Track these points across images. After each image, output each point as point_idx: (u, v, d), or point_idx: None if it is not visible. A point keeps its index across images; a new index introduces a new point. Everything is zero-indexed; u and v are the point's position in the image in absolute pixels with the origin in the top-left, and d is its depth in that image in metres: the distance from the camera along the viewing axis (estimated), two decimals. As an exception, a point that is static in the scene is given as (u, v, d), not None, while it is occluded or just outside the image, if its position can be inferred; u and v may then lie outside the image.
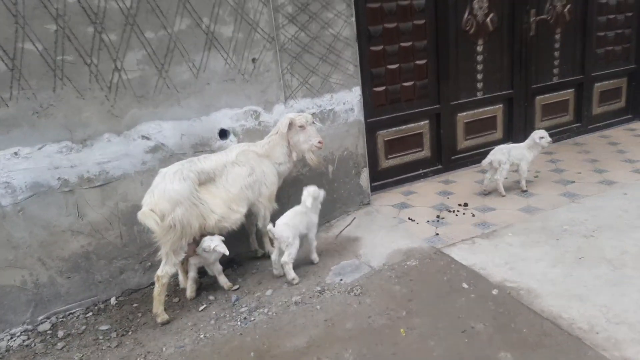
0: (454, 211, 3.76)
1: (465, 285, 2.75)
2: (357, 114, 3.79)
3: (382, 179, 4.33)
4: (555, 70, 5.08)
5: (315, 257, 3.18)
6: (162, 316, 2.75)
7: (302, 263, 3.20)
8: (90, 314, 2.96)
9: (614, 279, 2.66)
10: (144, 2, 2.87)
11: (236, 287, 3.02)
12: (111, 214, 3.00)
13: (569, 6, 4.91)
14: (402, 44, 4.18)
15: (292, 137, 3.14)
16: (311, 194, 3.03)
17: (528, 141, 3.95)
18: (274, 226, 2.93)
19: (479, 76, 4.63)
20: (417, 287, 2.79)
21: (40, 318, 2.90)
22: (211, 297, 2.95)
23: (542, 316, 2.42)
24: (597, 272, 2.74)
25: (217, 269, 2.97)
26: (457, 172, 4.62)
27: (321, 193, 3.12)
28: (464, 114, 4.63)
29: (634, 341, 2.19)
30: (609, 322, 2.33)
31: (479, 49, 4.57)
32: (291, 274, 2.95)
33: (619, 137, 5.21)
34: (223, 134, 3.29)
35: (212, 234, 2.85)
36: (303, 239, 3.04)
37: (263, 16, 3.26)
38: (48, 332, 2.82)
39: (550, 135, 3.94)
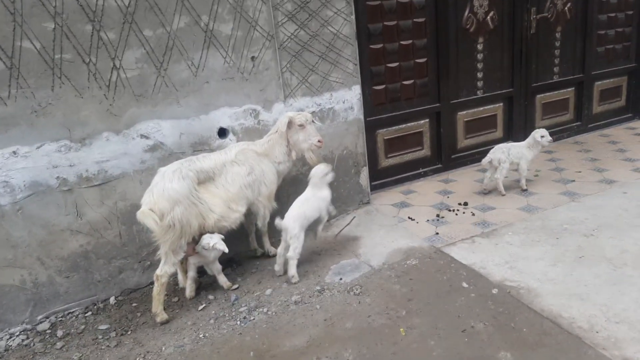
0: (453, 210, 3.75)
1: (465, 285, 2.75)
2: (357, 112, 3.78)
3: (382, 178, 4.33)
4: (556, 69, 5.07)
5: (320, 229, 3.19)
6: (162, 315, 2.74)
7: (302, 262, 3.20)
8: (90, 313, 2.95)
9: (614, 278, 2.65)
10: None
11: (235, 286, 3.01)
12: (110, 213, 2.99)
13: (569, 4, 4.90)
14: (402, 42, 4.17)
15: (292, 136, 3.13)
16: (314, 175, 3.11)
17: (529, 140, 3.94)
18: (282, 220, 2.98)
19: (479, 75, 4.62)
20: (417, 287, 2.79)
21: (39, 317, 2.90)
22: (210, 297, 2.95)
23: (542, 315, 2.42)
24: (597, 271, 2.74)
25: (216, 268, 2.96)
26: (457, 171, 4.61)
27: (323, 168, 3.14)
28: (464, 112, 4.62)
29: (634, 340, 2.19)
30: (609, 321, 2.32)
31: (479, 47, 4.56)
32: (292, 271, 2.94)
33: (619, 135, 5.21)
34: (222, 132, 3.28)
35: (212, 233, 2.85)
36: (314, 224, 3.10)
37: (262, 14, 3.25)
38: (47, 331, 2.82)
39: (551, 134, 3.93)
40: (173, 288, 3.09)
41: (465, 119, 4.64)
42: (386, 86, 4.19)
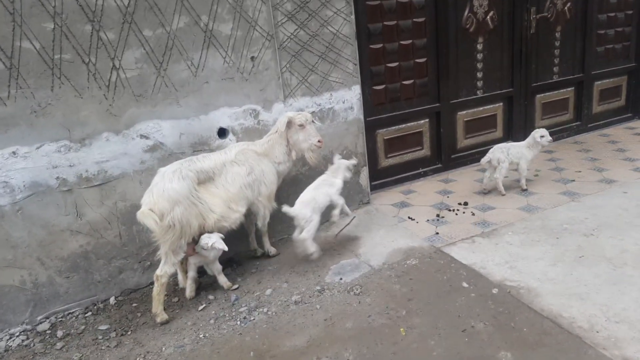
0: (453, 210, 3.75)
1: (465, 285, 2.75)
2: (357, 112, 3.78)
3: (382, 178, 4.33)
4: (556, 69, 5.07)
5: (337, 213, 3.26)
6: (162, 316, 2.74)
7: (302, 262, 3.20)
8: (90, 313, 2.95)
9: (614, 278, 2.65)
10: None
11: (236, 286, 3.01)
12: (110, 213, 2.99)
13: (569, 4, 4.90)
14: (402, 42, 4.17)
15: (292, 136, 3.13)
16: (336, 164, 3.30)
17: (528, 140, 3.94)
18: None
19: (479, 74, 4.62)
20: (417, 286, 2.79)
21: (39, 318, 2.89)
22: (211, 297, 2.94)
23: (542, 315, 2.42)
24: (597, 270, 2.74)
25: (216, 269, 2.96)
26: (457, 171, 4.61)
27: (343, 163, 3.32)
28: (464, 112, 4.62)
29: (634, 340, 2.19)
30: (609, 321, 2.32)
31: (479, 47, 4.56)
32: (310, 248, 3.04)
33: (619, 135, 5.21)
34: (222, 133, 3.28)
35: (211, 233, 2.84)
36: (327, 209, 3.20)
37: (262, 14, 3.24)
38: (47, 332, 2.82)
39: (550, 134, 3.93)
40: (173, 288, 3.08)
41: (465, 119, 4.64)
42: (386, 86, 4.19)
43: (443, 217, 3.66)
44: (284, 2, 3.30)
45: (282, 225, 3.55)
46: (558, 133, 5.12)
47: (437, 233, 3.40)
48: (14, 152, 2.70)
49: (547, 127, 4.14)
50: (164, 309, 2.77)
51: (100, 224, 2.97)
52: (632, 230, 3.13)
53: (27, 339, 2.77)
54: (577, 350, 2.17)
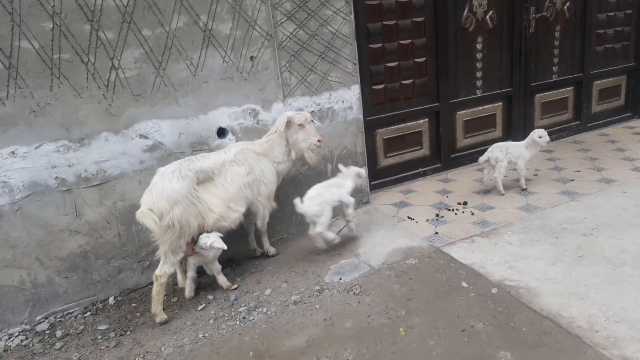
0: (453, 210, 3.75)
1: (464, 284, 2.75)
2: (356, 112, 3.78)
3: (381, 178, 4.32)
4: (555, 68, 5.07)
5: (349, 212, 3.32)
6: (161, 316, 2.74)
7: (302, 261, 3.20)
8: (89, 313, 2.95)
9: (613, 277, 2.65)
10: (142, -1, 2.86)
11: (235, 286, 3.01)
12: (109, 213, 2.98)
13: (568, 3, 4.90)
14: (401, 42, 4.16)
15: (291, 136, 3.13)
16: (352, 169, 3.37)
17: (527, 140, 3.95)
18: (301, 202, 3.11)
19: (479, 74, 4.62)
20: (417, 286, 2.78)
21: (38, 318, 2.89)
22: (210, 297, 2.94)
23: (542, 315, 2.42)
24: (596, 270, 2.74)
25: (216, 268, 2.96)
26: (456, 171, 4.61)
27: (353, 169, 3.42)
28: (464, 112, 4.62)
29: (634, 339, 2.19)
30: (608, 321, 2.32)
31: (479, 46, 4.56)
32: (329, 236, 3.12)
33: (618, 135, 5.21)
34: (221, 132, 3.28)
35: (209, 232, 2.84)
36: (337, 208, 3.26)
37: (261, 13, 3.24)
38: (46, 332, 2.81)
39: (550, 134, 3.94)
40: (172, 288, 3.08)
41: (465, 119, 4.64)
42: (385, 86, 4.18)
43: (442, 216, 3.66)
44: (284, 2, 3.30)
45: (281, 225, 3.56)
46: (557, 132, 5.12)
47: (437, 233, 3.40)
48: (13, 152, 2.69)
49: (547, 127, 4.14)
50: (163, 309, 2.77)
51: (100, 223, 2.97)
52: (631, 230, 3.13)
53: (26, 339, 2.76)
54: (576, 349, 2.17)
